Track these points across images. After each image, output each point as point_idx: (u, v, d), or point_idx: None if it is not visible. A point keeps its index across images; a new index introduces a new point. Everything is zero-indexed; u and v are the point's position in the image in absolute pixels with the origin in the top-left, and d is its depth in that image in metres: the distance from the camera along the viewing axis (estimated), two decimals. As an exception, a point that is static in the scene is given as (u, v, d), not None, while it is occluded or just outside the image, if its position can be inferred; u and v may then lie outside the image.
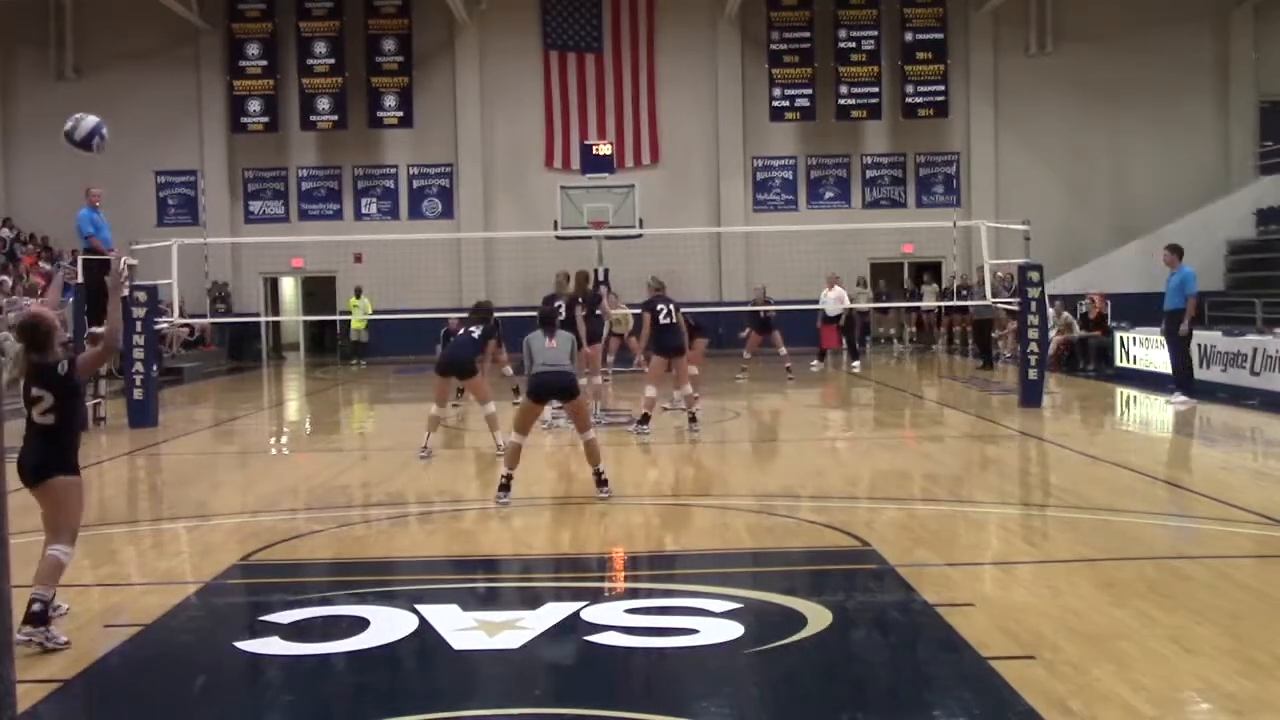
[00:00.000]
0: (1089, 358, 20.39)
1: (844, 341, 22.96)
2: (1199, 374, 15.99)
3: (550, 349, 8.76)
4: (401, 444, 13.10)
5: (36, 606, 5.34)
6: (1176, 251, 14.79)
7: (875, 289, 27.33)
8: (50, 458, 5.62)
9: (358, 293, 26.55)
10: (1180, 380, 14.58)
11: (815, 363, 22.17)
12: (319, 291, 29.41)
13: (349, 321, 26.65)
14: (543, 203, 25.62)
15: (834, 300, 21.97)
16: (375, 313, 25.13)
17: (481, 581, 6.72)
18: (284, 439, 15.27)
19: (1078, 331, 20.79)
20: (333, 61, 27.93)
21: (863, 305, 24.39)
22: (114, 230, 15.67)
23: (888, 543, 7.09)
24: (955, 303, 23.47)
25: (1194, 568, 6.40)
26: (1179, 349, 14.66)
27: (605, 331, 15.60)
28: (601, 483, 8.74)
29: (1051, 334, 19.12)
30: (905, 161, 28.88)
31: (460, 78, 28.41)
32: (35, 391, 5.58)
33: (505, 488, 8.65)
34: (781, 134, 28.64)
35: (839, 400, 17.78)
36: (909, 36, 28.18)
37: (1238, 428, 13.03)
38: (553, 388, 8.76)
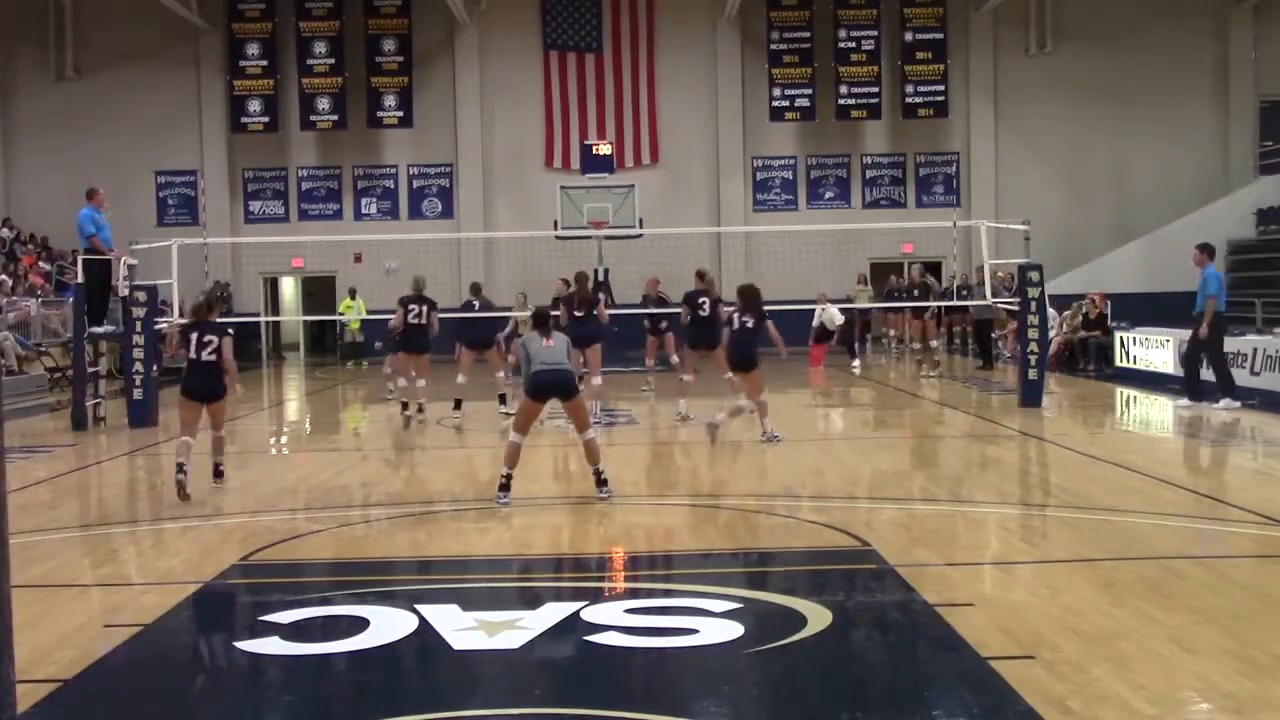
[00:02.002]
0: (1089, 358, 20.39)
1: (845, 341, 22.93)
2: (1199, 374, 15.98)
3: (548, 348, 8.77)
4: (401, 444, 13.11)
5: (223, 468, 9.87)
6: (1206, 250, 14.12)
7: (883, 285, 27.23)
8: (220, 385, 9.46)
9: (352, 294, 26.54)
10: (1222, 385, 13.92)
11: (854, 364, 22.14)
12: (319, 291, 29.42)
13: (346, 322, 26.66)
14: (543, 203, 25.64)
15: (830, 318, 21.93)
16: (375, 313, 25.13)
17: (481, 581, 6.71)
18: (284, 439, 15.27)
19: (1080, 332, 20.80)
20: (333, 61, 27.96)
21: (863, 304, 24.35)
22: (114, 230, 15.69)
23: (888, 543, 7.08)
24: (955, 303, 23.48)
25: (1194, 568, 6.39)
26: (1213, 354, 14.01)
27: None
28: (601, 483, 8.74)
29: (1053, 334, 19.13)
30: (905, 161, 28.90)
31: (460, 78, 28.42)
32: (208, 338, 9.34)
33: (505, 487, 8.66)
34: (781, 134, 28.66)
35: (839, 400, 17.78)
36: (909, 36, 28.21)
37: (1238, 428, 13.02)
38: (552, 386, 8.73)
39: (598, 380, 14.35)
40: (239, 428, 15.75)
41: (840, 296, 23.64)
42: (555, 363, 8.71)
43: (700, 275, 14.07)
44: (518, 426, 8.81)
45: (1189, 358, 14.54)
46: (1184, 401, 14.24)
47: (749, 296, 11.97)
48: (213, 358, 9.32)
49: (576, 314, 13.87)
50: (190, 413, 9.36)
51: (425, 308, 13.95)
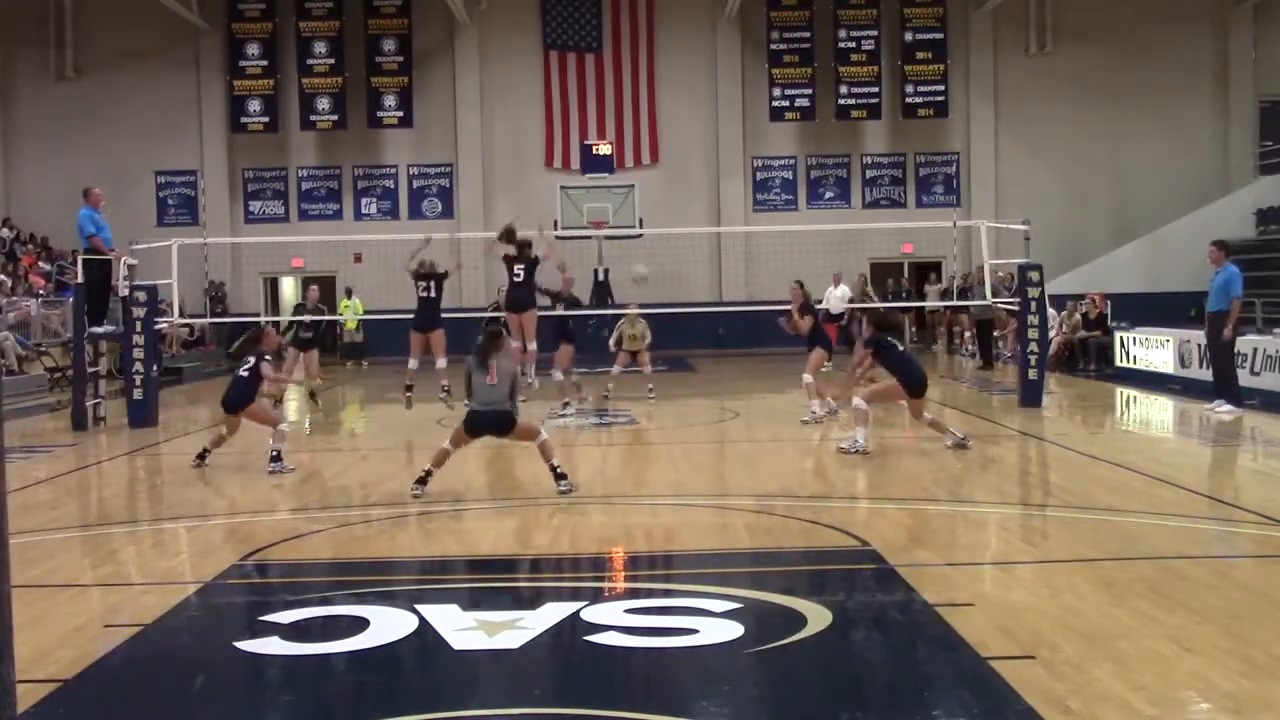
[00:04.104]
0: (1089, 358, 20.40)
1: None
2: (1197, 374, 15.97)
3: (489, 387, 8.77)
4: (401, 444, 13.10)
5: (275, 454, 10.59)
6: (1223, 248, 13.81)
7: (883, 287, 27.27)
8: (245, 398, 10.72)
9: (349, 293, 26.52)
10: (1223, 388, 13.73)
11: (825, 364, 22.08)
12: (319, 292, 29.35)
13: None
14: (543, 203, 25.62)
15: (838, 299, 21.92)
16: (375, 313, 25.10)
17: (481, 581, 6.72)
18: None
19: (1080, 332, 20.80)
20: (333, 61, 27.97)
21: (849, 306, 24.27)
22: (114, 230, 15.68)
23: (888, 543, 7.08)
24: (955, 303, 23.49)
25: (1194, 568, 6.39)
26: (1222, 354, 13.76)
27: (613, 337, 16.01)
28: (559, 477, 8.86)
29: (1052, 334, 19.13)
30: (905, 161, 28.90)
31: (460, 78, 28.43)
32: (247, 361, 10.83)
33: (422, 481, 8.86)
34: (781, 134, 28.66)
35: (839, 400, 17.75)
36: (909, 36, 28.22)
37: (1238, 428, 13.02)
38: (488, 426, 8.94)
39: (564, 377, 15.27)
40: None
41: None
42: (492, 403, 8.78)
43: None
44: (452, 440, 9.01)
45: (1219, 361, 13.91)
46: (1225, 407, 13.44)
47: (893, 323, 11.85)
48: (247, 374, 10.75)
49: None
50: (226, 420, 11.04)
51: (433, 283, 13.34)
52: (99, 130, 27.87)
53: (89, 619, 5.82)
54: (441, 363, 13.25)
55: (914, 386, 11.03)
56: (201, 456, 10.72)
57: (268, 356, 10.94)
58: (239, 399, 10.69)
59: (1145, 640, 5.05)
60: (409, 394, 13.37)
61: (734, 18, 28.09)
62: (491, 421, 8.87)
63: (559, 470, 8.90)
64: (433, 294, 13.31)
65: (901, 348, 11.32)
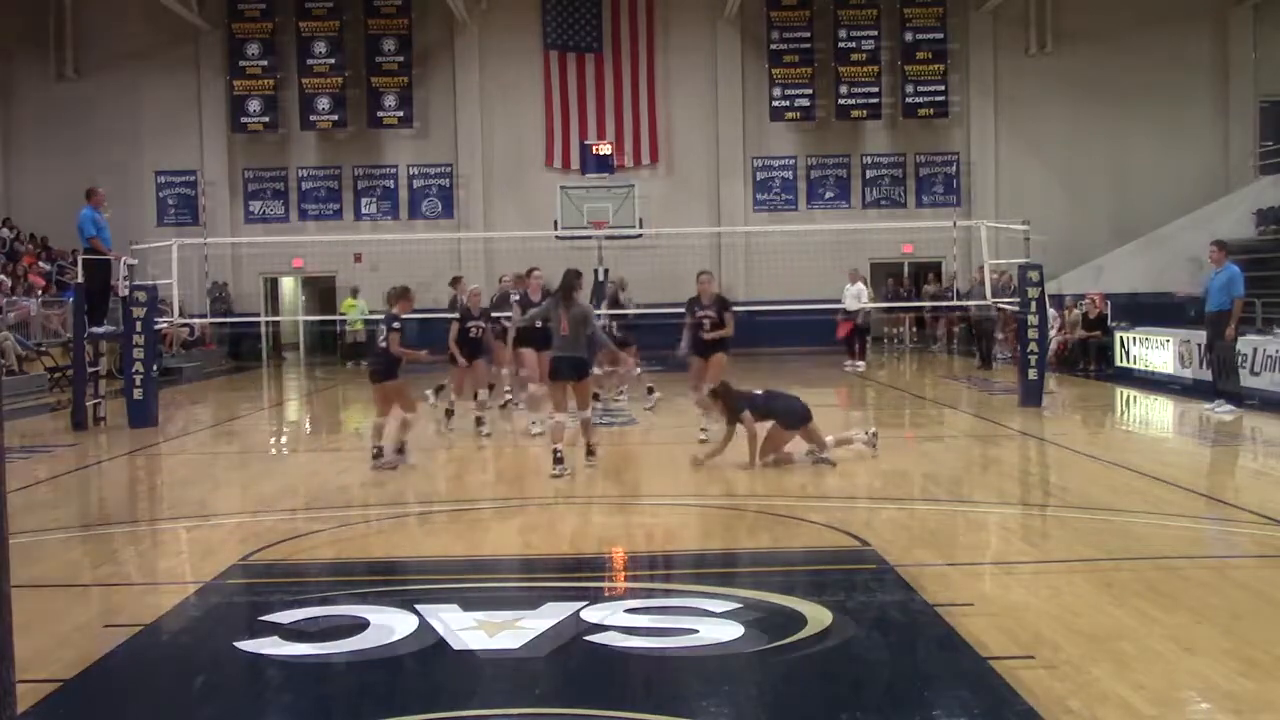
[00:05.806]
0: (1089, 358, 20.39)
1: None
2: (1196, 374, 15.97)
3: (562, 337, 9.81)
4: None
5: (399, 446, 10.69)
6: (1223, 247, 13.80)
7: (884, 287, 27.25)
8: (380, 370, 10.65)
9: (354, 293, 26.54)
10: (1224, 388, 13.77)
11: (849, 363, 22.12)
12: (319, 291, 29.43)
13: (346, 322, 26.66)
14: (543, 203, 25.64)
15: (853, 297, 22.00)
16: (375, 313, 25.13)
17: (481, 581, 6.71)
18: (284, 439, 15.26)
19: (1080, 331, 20.80)
20: (333, 61, 27.99)
21: (864, 305, 24.31)
22: (114, 230, 15.70)
23: (888, 543, 7.08)
24: (956, 303, 23.47)
25: (1194, 568, 6.40)
26: (1223, 354, 13.80)
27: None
28: (556, 460, 9.67)
29: (1052, 333, 19.12)
30: (905, 161, 28.90)
31: (460, 78, 28.44)
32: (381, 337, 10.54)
33: (559, 460, 9.69)
34: (781, 134, 28.67)
35: (839, 401, 17.77)
36: (909, 36, 28.23)
37: (1238, 428, 13.02)
38: (564, 371, 9.83)
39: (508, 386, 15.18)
40: (238, 427, 15.78)
41: (835, 297, 23.49)
42: (566, 350, 9.84)
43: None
44: (555, 405, 9.94)
45: (1222, 359, 13.89)
46: (1225, 407, 13.52)
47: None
48: (383, 344, 10.52)
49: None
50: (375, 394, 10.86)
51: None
52: (99, 130, 27.87)
53: (89, 619, 5.82)
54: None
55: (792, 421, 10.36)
56: (398, 452, 10.69)
57: (396, 324, 10.45)
58: (380, 370, 10.64)
59: (1145, 640, 5.05)
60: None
61: (734, 17, 28.10)
62: (567, 366, 9.75)
63: (559, 455, 9.62)
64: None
65: (759, 392, 10.61)
